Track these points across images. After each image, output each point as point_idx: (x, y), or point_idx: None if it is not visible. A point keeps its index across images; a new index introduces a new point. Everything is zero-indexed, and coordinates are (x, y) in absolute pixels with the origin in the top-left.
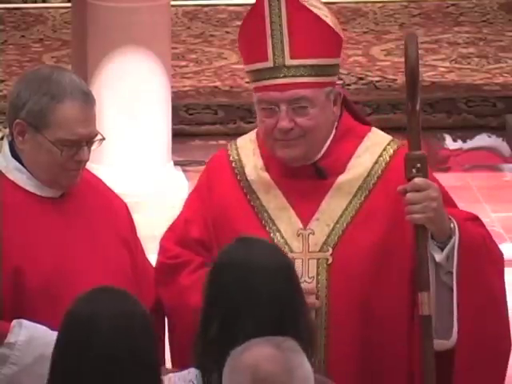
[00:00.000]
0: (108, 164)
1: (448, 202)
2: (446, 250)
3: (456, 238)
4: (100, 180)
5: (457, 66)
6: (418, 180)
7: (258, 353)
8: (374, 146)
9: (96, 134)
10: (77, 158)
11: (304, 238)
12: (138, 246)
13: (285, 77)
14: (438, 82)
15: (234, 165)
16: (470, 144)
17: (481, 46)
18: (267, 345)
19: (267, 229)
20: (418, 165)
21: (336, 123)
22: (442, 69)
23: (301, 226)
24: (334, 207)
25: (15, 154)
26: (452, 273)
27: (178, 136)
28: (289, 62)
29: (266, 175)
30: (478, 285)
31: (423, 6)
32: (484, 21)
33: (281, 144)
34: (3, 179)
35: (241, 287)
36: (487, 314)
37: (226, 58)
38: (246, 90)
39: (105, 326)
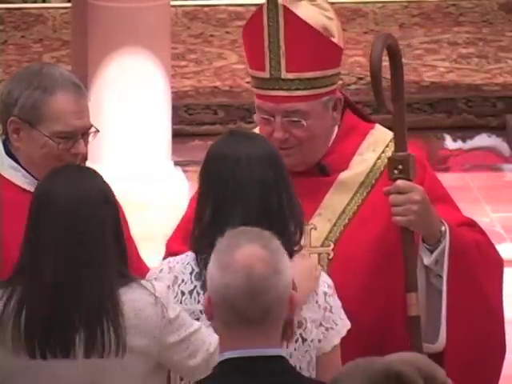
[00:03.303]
0: (108, 164)
1: (448, 203)
2: (435, 254)
3: (446, 243)
4: None
5: (457, 66)
6: (399, 182)
7: (250, 253)
8: (377, 143)
9: (90, 126)
10: (73, 151)
11: (306, 233)
12: (131, 245)
13: (280, 89)
14: (438, 82)
15: None
16: (470, 144)
17: (481, 46)
18: (256, 244)
19: None
20: (400, 166)
21: (339, 122)
22: (442, 69)
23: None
24: (335, 203)
25: (9, 153)
26: (441, 276)
27: (178, 136)
28: (285, 75)
29: None
30: (470, 290)
31: (423, 6)
32: (484, 21)
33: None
34: None
35: (228, 176)
36: (479, 319)
37: (225, 58)
38: (245, 89)
39: (60, 200)
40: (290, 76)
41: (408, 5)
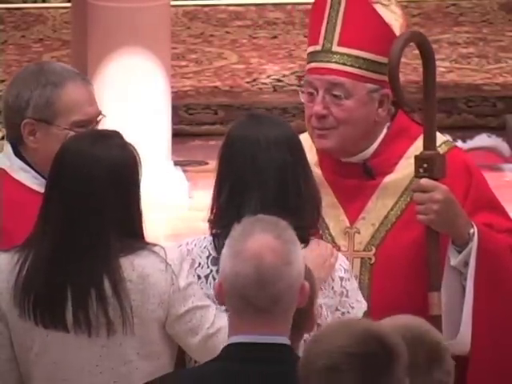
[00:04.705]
0: None
1: (495, 210)
2: (462, 256)
3: (474, 244)
4: None
5: (457, 65)
6: (423, 181)
7: (262, 242)
8: None
9: (100, 112)
10: None
11: (350, 237)
12: None
13: (328, 62)
14: (438, 82)
15: None
16: (470, 144)
17: (481, 46)
18: (269, 234)
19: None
20: (425, 165)
21: (389, 123)
22: (442, 69)
23: (348, 224)
24: (379, 207)
25: (18, 155)
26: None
27: (178, 136)
28: (335, 48)
29: (318, 171)
30: (499, 294)
31: (423, 6)
32: (484, 21)
33: (316, 134)
34: (8, 178)
35: (248, 158)
36: (509, 325)
37: (225, 58)
38: (246, 90)
39: (68, 170)
40: (340, 50)
41: (408, 5)
